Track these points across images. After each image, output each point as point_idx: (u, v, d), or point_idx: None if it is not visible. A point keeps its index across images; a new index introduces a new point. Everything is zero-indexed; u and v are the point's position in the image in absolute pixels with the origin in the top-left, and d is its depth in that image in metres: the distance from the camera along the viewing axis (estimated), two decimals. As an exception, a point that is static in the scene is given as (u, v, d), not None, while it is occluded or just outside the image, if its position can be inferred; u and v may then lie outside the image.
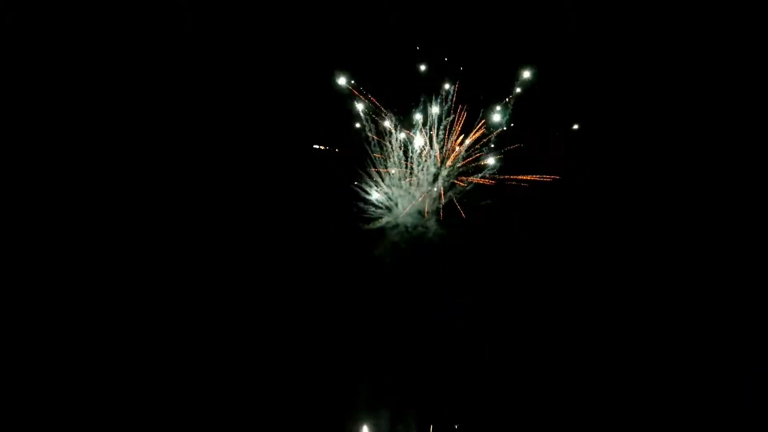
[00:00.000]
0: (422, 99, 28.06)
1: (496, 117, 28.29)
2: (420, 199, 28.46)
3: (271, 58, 29.37)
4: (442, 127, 28.29)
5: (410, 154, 28.54)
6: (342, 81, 28.10)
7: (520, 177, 28.03)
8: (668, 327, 27.55)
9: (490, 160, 28.32)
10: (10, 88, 27.83)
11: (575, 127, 27.84)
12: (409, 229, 28.58)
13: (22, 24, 28.14)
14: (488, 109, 28.23)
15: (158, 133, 29.15)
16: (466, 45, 28.47)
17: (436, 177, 28.54)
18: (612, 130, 28.88)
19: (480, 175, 28.13)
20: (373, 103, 28.11)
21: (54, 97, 28.37)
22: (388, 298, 28.19)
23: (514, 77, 27.92)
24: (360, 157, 28.53)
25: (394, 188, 28.60)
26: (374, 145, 28.49)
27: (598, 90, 28.72)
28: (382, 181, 28.61)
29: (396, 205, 28.69)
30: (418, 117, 28.27)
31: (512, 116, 28.28)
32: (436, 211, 28.45)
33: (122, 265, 28.24)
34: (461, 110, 28.23)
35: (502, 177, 28.19)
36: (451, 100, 28.10)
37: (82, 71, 28.67)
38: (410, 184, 28.65)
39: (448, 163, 28.49)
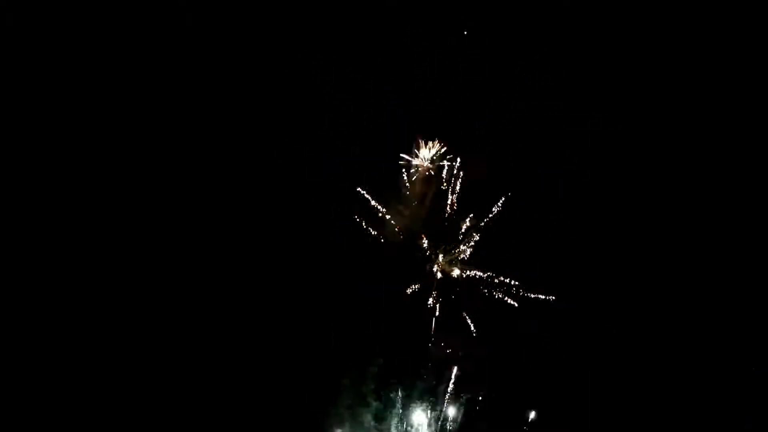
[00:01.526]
0: None
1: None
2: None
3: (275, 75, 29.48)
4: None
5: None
6: None
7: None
8: (671, 330, 27.60)
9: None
10: (10, 87, 27.81)
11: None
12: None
13: (22, 24, 28.11)
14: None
15: (156, 134, 29.17)
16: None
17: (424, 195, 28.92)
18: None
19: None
20: None
21: (53, 96, 28.34)
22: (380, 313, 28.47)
23: None
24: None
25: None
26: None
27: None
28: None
29: (385, 224, 28.84)
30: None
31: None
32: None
33: (115, 261, 28.29)
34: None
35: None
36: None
37: (81, 71, 28.66)
38: (399, 203, 28.85)
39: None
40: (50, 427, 26.54)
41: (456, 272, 28.68)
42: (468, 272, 28.63)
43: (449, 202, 28.75)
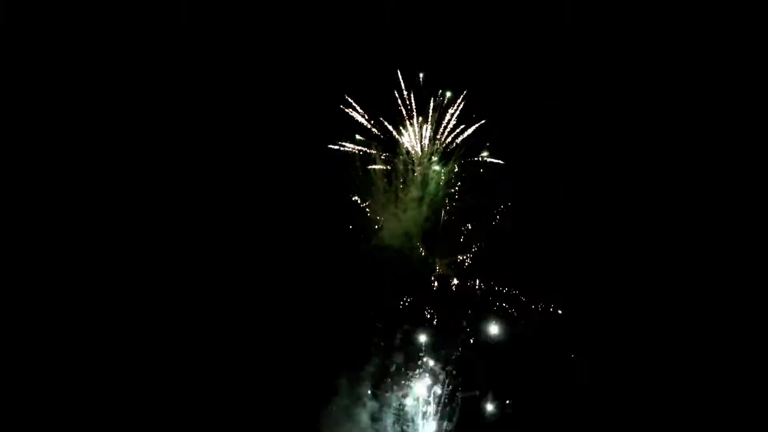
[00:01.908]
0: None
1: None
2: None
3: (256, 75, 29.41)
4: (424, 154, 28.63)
5: (393, 180, 28.79)
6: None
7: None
8: (671, 329, 27.59)
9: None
10: (6, 86, 27.78)
11: None
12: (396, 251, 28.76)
13: (17, 23, 28.05)
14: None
15: (153, 134, 29.13)
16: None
17: (421, 199, 28.76)
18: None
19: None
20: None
21: (49, 96, 28.29)
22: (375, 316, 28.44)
23: None
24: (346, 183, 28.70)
25: (380, 212, 28.76)
26: (360, 173, 28.73)
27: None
28: (368, 207, 28.77)
29: (381, 228, 28.80)
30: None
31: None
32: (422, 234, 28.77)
33: (113, 261, 28.28)
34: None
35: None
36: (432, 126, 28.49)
37: (77, 71, 28.61)
38: (396, 207, 28.81)
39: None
40: (50, 427, 26.55)
41: (454, 281, 28.69)
42: (465, 275, 28.63)
43: (447, 205, 28.74)
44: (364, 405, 27.51)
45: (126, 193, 28.85)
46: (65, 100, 28.33)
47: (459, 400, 27.65)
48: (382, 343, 28.00)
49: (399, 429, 27.63)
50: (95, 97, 28.70)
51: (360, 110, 28.49)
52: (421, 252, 28.59)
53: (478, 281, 28.53)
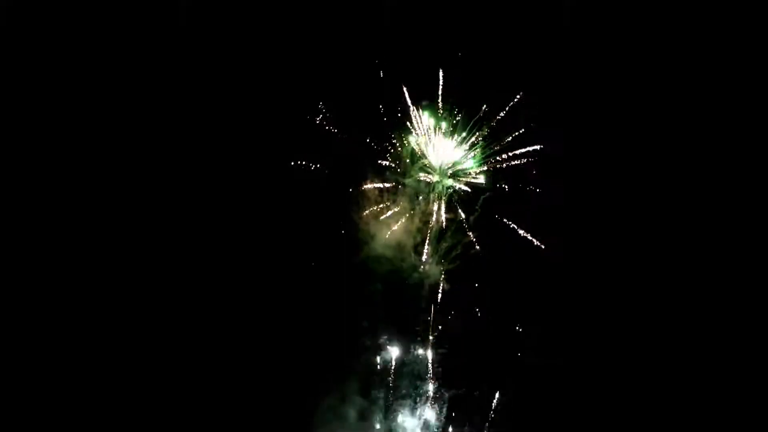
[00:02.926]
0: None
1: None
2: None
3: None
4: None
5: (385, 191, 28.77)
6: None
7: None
8: (671, 328, 27.61)
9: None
10: (5, 86, 27.79)
11: None
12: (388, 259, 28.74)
13: (17, 23, 28.03)
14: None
15: (152, 134, 29.10)
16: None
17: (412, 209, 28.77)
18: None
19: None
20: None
21: (46, 95, 28.28)
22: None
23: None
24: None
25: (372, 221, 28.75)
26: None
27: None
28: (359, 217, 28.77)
29: (373, 238, 28.79)
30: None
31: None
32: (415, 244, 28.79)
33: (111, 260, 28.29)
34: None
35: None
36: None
37: (75, 70, 28.58)
38: (388, 217, 28.83)
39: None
40: (50, 427, 26.65)
41: (446, 284, 28.68)
42: (457, 282, 28.60)
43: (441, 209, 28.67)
44: (353, 403, 27.60)
45: (124, 194, 28.85)
46: (60, 99, 28.32)
47: (447, 397, 27.77)
48: (368, 342, 28.10)
49: (387, 427, 27.73)
50: (90, 96, 28.70)
51: (347, 120, 28.48)
52: (413, 260, 28.56)
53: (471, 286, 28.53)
